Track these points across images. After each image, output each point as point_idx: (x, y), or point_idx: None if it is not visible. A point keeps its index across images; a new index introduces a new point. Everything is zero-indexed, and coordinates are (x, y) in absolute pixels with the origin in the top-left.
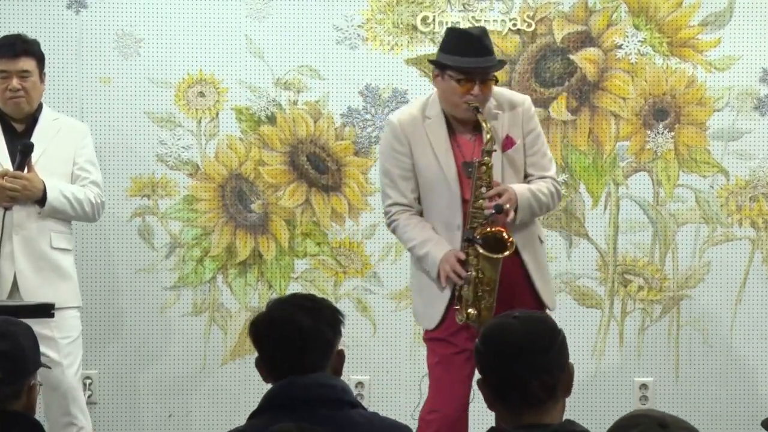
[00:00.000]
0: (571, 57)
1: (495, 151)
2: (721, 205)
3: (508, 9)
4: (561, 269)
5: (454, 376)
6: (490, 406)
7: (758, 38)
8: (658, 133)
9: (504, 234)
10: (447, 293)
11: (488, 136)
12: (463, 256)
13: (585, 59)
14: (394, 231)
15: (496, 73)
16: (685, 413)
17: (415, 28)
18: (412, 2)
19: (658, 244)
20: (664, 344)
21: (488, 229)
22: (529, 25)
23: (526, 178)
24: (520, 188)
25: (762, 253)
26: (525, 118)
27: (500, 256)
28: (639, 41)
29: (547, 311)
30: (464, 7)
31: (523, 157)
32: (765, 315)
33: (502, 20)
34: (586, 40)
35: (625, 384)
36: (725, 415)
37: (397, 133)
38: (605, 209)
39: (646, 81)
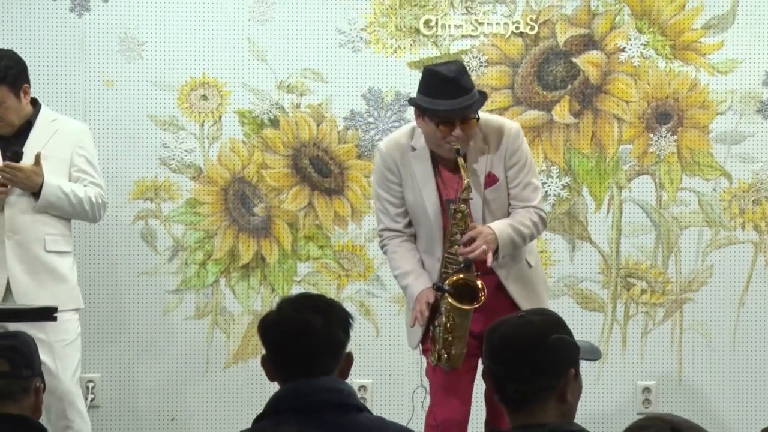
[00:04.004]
0: (574, 60)
1: (471, 199)
2: (724, 209)
3: (511, 12)
4: (564, 272)
5: (456, 381)
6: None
7: (761, 41)
8: (661, 136)
9: (477, 283)
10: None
11: (465, 183)
12: (432, 299)
13: (588, 62)
14: (385, 255)
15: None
16: (688, 417)
17: (417, 31)
18: (415, 5)
19: (661, 247)
20: (667, 348)
21: (460, 277)
22: (532, 28)
23: (509, 206)
24: (499, 225)
25: (765, 256)
26: (509, 153)
27: (468, 307)
28: (642, 44)
29: None
30: (467, 11)
31: (506, 191)
32: None
33: (505, 23)
34: (588, 43)
35: (628, 387)
36: (728, 418)
37: (387, 162)
38: (608, 212)
39: (648, 84)
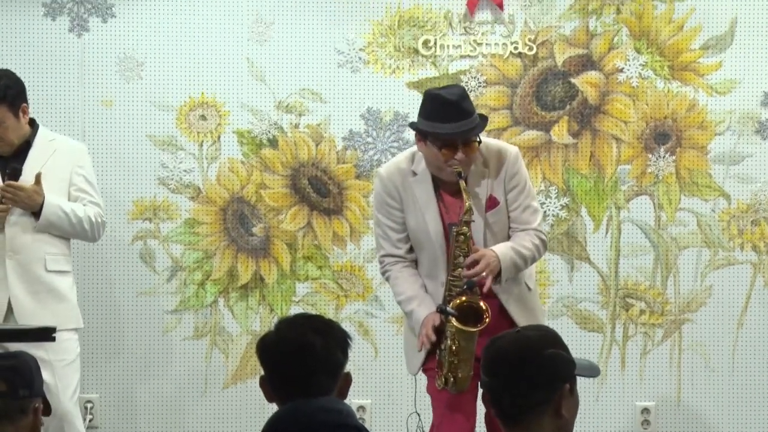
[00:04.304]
0: (573, 80)
1: (473, 221)
2: (723, 229)
3: (510, 32)
4: (562, 293)
5: (460, 398)
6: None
7: (759, 62)
8: (659, 156)
9: (480, 304)
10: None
11: (467, 205)
12: (438, 323)
13: (586, 83)
14: (387, 281)
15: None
16: None
17: (416, 51)
18: (414, 26)
19: (660, 267)
20: (665, 368)
21: (463, 299)
22: (531, 49)
23: (510, 229)
24: (501, 249)
25: (764, 277)
26: (508, 176)
27: (473, 329)
28: (640, 65)
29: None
30: (465, 31)
31: (507, 214)
32: (767, 339)
33: (504, 43)
34: (587, 63)
35: (627, 408)
36: None
37: (388, 187)
38: (607, 233)
39: (647, 104)
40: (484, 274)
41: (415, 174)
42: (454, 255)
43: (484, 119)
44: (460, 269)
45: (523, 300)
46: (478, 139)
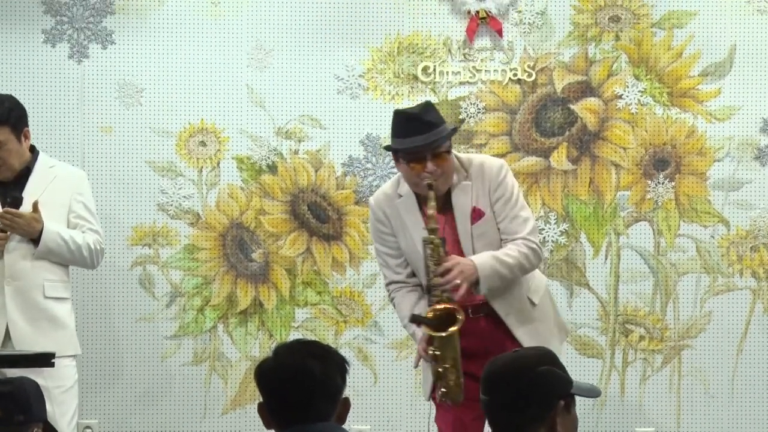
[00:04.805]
0: (572, 107)
1: (437, 228)
2: (722, 255)
3: (509, 59)
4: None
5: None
6: None
7: (758, 88)
8: (658, 182)
9: (454, 310)
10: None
11: (430, 212)
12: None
13: (585, 109)
14: (394, 308)
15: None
16: None
17: (415, 77)
18: (413, 52)
19: (659, 293)
20: (665, 394)
21: (439, 307)
22: (530, 75)
23: (501, 242)
24: (481, 257)
25: (763, 303)
26: (492, 187)
27: (443, 334)
28: (639, 91)
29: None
30: (465, 57)
31: (496, 226)
32: (767, 365)
33: (503, 70)
34: (586, 90)
35: None
36: None
37: (378, 214)
38: (606, 259)
39: (646, 131)
40: (457, 281)
41: (400, 196)
42: (427, 265)
43: (453, 129)
44: (436, 278)
45: (525, 314)
46: (447, 149)
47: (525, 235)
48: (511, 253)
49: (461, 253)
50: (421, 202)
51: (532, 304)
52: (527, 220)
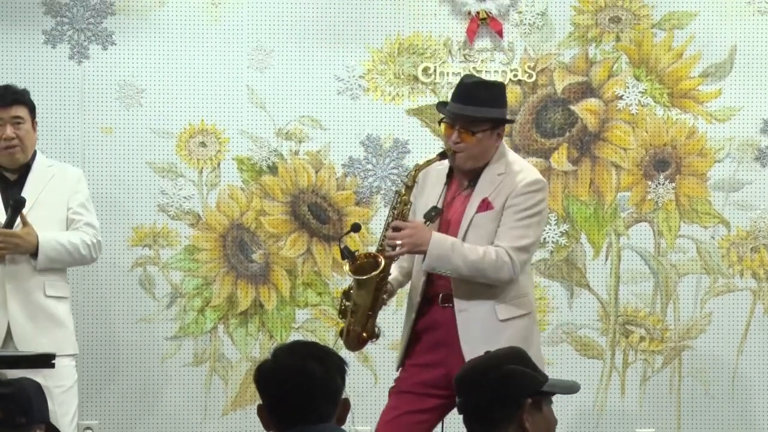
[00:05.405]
0: (572, 108)
1: (412, 186)
2: (723, 256)
3: (509, 60)
4: (562, 320)
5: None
6: None
7: (759, 89)
8: (659, 183)
9: (380, 260)
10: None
11: (412, 173)
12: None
13: (586, 110)
14: None
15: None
16: None
17: (416, 78)
18: (414, 53)
19: (660, 294)
20: (665, 395)
21: (370, 252)
22: (530, 76)
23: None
24: (442, 237)
25: (763, 303)
26: (514, 193)
27: (357, 277)
28: (640, 92)
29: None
30: (465, 58)
31: (496, 227)
32: (767, 366)
33: (503, 71)
34: (586, 90)
35: None
36: None
37: (418, 177)
38: (606, 260)
39: (646, 132)
40: (399, 242)
41: (440, 166)
42: (391, 214)
43: (495, 118)
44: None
45: (484, 326)
46: (473, 131)
47: (508, 245)
48: (477, 250)
49: (454, 233)
50: (453, 177)
51: (498, 319)
52: (522, 238)
